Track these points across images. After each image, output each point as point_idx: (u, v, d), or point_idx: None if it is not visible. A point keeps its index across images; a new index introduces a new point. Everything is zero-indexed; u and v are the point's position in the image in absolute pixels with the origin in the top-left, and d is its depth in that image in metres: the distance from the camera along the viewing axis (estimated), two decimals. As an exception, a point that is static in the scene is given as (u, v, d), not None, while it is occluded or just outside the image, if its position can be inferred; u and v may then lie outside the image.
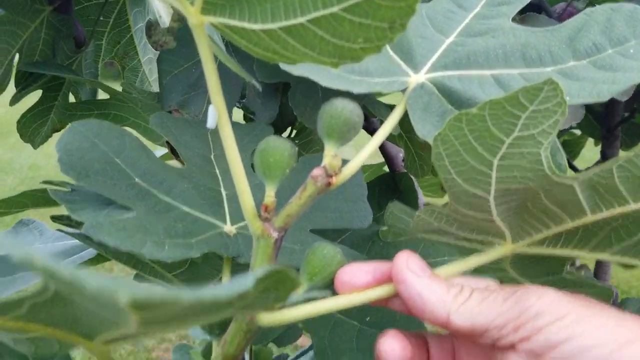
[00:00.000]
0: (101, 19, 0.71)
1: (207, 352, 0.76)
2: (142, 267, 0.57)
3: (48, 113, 0.69)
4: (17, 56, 0.65)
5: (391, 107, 0.76)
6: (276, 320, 0.28)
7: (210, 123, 0.52)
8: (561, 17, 0.74)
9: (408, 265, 0.28)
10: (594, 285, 0.31)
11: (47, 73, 0.65)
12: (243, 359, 0.78)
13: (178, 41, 0.61)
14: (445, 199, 0.30)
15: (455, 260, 0.30)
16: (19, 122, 0.71)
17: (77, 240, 0.78)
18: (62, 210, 0.39)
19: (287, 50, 0.24)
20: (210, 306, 0.16)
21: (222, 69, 0.31)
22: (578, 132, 1.08)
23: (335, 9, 0.21)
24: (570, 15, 0.68)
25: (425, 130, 0.30)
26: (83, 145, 0.37)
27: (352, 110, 0.29)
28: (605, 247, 0.28)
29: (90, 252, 0.73)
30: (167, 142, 0.61)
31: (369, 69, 0.34)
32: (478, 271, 0.31)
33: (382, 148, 0.75)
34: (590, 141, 1.07)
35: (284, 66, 0.29)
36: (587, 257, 0.29)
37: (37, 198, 0.62)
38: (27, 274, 0.68)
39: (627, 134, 0.92)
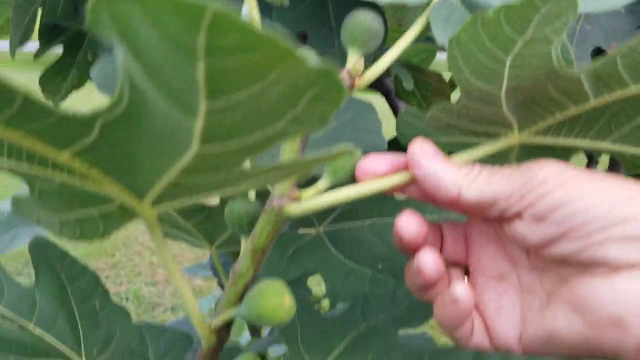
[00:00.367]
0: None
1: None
2: (162, 216, 0.59)
3: (69, 68, 0.71)
4: (39, 12, 0.68)
5: (405, 64, 0.78)
6: (303, 209, 0.30)
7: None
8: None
9: (422, 150, 0.30)
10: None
11: (69, 27, 0.67)
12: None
13: None
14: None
15: (465, 150, 0.32)
16: (41, 78, 0.73)
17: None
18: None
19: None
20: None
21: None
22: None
23: None
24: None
25: (444, 39, 0.32)
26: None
27: (373, 19, 0.31)
28: (605, 135, 0.30)
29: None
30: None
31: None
32: (486, 164, 0.33)
33: (393, 106, 0.77)
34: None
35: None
36: (588, 148, 0.31)
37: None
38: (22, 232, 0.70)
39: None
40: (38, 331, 0.37)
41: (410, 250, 0.31)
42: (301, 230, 0.61)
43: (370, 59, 0.55)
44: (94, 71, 0.40)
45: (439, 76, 0.81)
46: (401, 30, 0.68)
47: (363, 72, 0.31)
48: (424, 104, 0.77)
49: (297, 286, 0.83)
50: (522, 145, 0.33)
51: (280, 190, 0.31)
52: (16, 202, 0.28)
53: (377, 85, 0.77)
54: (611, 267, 0.26)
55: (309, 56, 0.15)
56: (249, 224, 0.33)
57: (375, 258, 0.55)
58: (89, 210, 0.27)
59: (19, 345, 0.34)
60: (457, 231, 0.33)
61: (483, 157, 0.32)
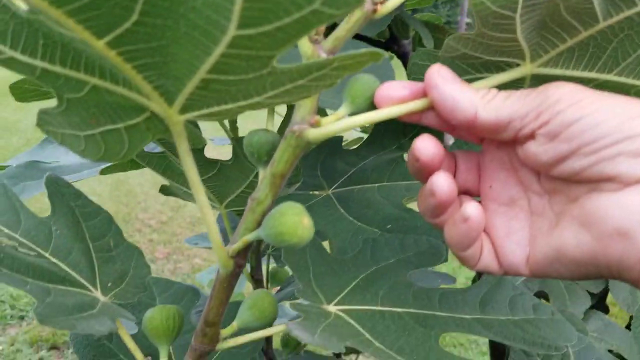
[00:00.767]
0: None
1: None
2: (171, 173, 0.59)
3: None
4: None
5: (426, 24, 0.78)
6: (323, 133, 0.31)
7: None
8: None
9: (440, 73, 0.31)
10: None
11: None
12: (261, 280, 0.81)
13: None
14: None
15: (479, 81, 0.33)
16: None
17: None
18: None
19: None
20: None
21: None
22: None
23: None
24: None
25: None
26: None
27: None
28: (612, 67, 0.31)
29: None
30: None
31: None
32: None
33: (404, 61, 0.76)
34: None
35: None
36: (595, 80, 0.32)
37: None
38: (31, 185, 0.71)
39: None
40: (54, 260, 0.38)
41: (424, 173, 0.32)
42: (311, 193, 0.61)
43: None
44: None
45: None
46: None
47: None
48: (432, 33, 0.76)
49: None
50: (534, 76, 0.34)
51: (300, 115, 0.31)
52: (42, 115, 0.28)
53: (395, 47, 0.77)
54: (620, 182, 0.27)
55: None
56: (268, 152, 0.34)
57: (384, 219, 0.56)
58: (115, 124, 0.28)
59: (36, 270, 0.34)
60: (470, 160, 0.34)
61: (496, 87, 0.33)
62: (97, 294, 0.38)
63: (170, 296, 0.62)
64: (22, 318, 2.30)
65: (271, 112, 0.40)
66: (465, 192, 0.35)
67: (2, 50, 0.23)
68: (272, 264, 0.88)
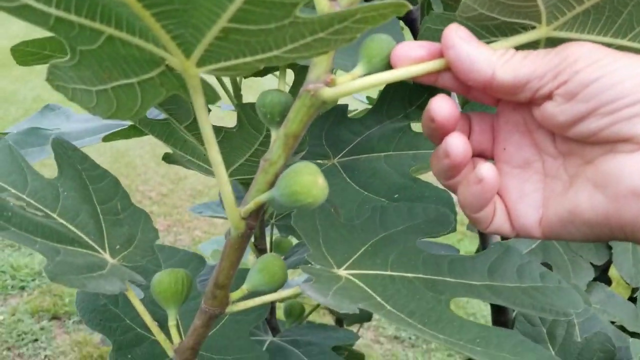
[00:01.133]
0: None
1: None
2: (175, 141, 0.59)
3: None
4: None
5: None
6: (339, 93, 0.30)
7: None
8: None
9: (457, 33, 0.30)
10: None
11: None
12: (264, 249, 0.81)
13: None
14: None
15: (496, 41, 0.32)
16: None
17: (103, 121, 0.79)
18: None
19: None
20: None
21: None
22: None
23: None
24: None
25: None
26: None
27: None
28: (627, 32, 0.31)
29: (121, 124, 0.74)
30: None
31: None
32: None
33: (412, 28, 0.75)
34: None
35: None
36: (609, 45, 0.32)
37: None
38: (32, 152, 0.70)
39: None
40: (62, 221, 0.37)
41: (439, 134, 0.32)
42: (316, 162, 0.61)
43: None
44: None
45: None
46: None
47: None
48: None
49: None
50: (548, 39, 0.33)
51: (315, 74, 0.30)
52: (52, 69, 0.28)
53: (403, 15, 0.75)
54: (637, 143, 0.27)
55: None
56: (281, 113, 0.33)
57: (391, 188, 0.56)
58: (129, 79, 0.27)
59: (45, 230, 0.34)
60: (484, 122, 0.34)
61: (513, 47, 0.32)
62: (106, 256, 0.38)
63: (175, 263, 0.62)
64: (22, 288, 2.31)
65: (283, 73, 0.39)
66: (479, 155, 0.34)
67: (15, -4, 0.22)
68: (276, 234, 0.88)
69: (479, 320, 2.19)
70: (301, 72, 0.59)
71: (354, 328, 1.06)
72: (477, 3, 0.32)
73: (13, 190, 0.37)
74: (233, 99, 0.63)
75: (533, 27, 0.33)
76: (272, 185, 0.32)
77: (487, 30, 0.35)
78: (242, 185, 0.68)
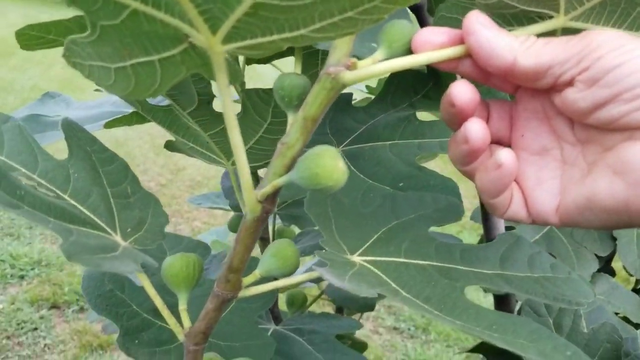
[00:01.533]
0: None
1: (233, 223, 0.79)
2: (177, 128, 0.58)
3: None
4: None
5: None
6: (360, 76, 0.30)
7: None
8: None
9: (478, 20, 0.30)
10: None
11: None
12: (267, 238, 0.80)
13: None
14: None
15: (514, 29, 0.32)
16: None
17: (104, 109, 0.79)
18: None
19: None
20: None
21: None
22: None
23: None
24: None
25: None
26: None
27: None
28: None
29: (123, 111, 0.73)
30: None
31: None
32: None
33: (424, 23, 0.74)
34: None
35: None
36: None
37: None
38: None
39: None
40: (73, 202, 0.37)
41: (458, 119, 0.31)
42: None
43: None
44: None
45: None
46: None
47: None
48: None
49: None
50: (565, 29, 0.33)
51: (336, 57, 0.30)
52: (70, 45, 0.27)
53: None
54: None
55: None
56: (299, 96, 0.33)
57: (396, 177, 0.55)
58: (149, 56, 0.27)
59: (57, 210, 0.34)
60: (503, 109, 0.34)
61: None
62: (117, 238, 0.38)
63: (180, 251, 0.61)
64: (22, 277, 2.31)
65: (299, 57, 0.38)
66: (496, 142, 0.34)
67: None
68: (279, 223, 0.88)
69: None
70: (307, 60, 0.58)
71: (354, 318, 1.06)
72: (498, -11, 0.32)
73: (24, 170, 0.36)
74: (237, 86, 0.62)
75: (550, 17, 0.33)
76: (289, 169, 0.32)
77: (504, 19, 0.35)
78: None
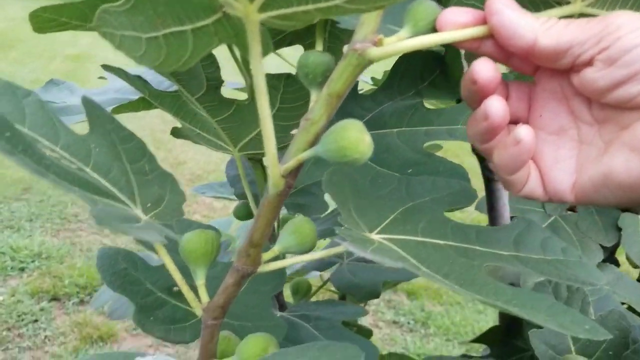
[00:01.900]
0: None
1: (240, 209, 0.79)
2: (185, 114, 0.58)
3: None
4: None
5: None
6: (386, 53, 0.30)
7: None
8: None
9: (501, 0, 0.31)
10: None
11: None
12: (273, 229, 0.81)
13: None
14: None
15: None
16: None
17: (109, 96, 0.79)
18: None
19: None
20: None
21: None
22: None
23: None
24: None
25: None
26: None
27: None
28: None
29: (129, 97, 0.74)
30: None
31: None
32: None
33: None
34: None
35: None
36: None
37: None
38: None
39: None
40: (95, 175, 0.37)
41: (479, 96, 0.32)
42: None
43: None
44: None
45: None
46: None
47: None
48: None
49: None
50: (581, 14, 0.34)
51: (363, 34, 0.30)
52: (103, 15, 0.27)
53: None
54: None
55: None
56: (323, 73, 0.33)
57: (404, 163, 0.56)
58: (182, 26, 0.27)
59: (81, 181, 0.34)
60: (522, 89, 0.35)
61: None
62: (139, 212, 0.38)
63: (190, 234, 0.62)
64: (22, 270, 2.31)
65: (320, 36, 0.39)
66: (514, 122, 0.35)
67: None
68: (283, 212, 0.88)
69: (478, 307, 2.22)
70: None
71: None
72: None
73: (46, 143, 0.37)
74: (244, 71, 0.61)
75: (567, 3, 0.34)
76: (312, 144, 0.32)
77: (521, 4, 0.36)
78: (250, 161, 0.68)
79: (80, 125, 0.50)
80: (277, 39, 0.61)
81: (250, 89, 0.51)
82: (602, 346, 0.51)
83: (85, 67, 4.95)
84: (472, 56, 0.66)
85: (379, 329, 2.06)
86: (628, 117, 0.30)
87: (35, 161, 0.31)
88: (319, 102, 0.32)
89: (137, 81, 0.53)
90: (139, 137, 0.45)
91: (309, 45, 0.58)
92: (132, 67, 0.60)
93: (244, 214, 0.80)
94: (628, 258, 0.74)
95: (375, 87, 1.04)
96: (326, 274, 1.10)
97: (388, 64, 0.56)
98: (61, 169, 0.33)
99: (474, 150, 0.65)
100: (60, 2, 0.45)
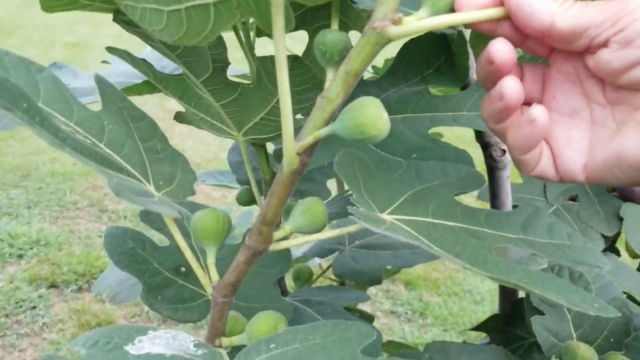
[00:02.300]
0: None
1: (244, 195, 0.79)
2: (189, 98, 0.58)
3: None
4: None
5: None
6: (405, 31, 0.30)
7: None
8: None
9: None
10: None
11: None
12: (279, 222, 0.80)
13: None
14: None
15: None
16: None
17: (112, 79, 0.79)
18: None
19: None
20: None
21: None
22: None
23: None
24: None
25: None
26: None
27: None
28: None
29: (133, 81, 0.73)
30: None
31: None
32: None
33: None
34: None
35: None
36: None
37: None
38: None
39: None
40: (109, 151, 0.38)
41: (495, 76, 0.32)
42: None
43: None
44: None
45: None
46: None
47: None
48: None
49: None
50: None
51: (382, 12, 0.31)
52: (126, -14, 0.27)
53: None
54: None
55: None
56: (340, 52, 0.33)
57: (408, 148, 0.56)
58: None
59: (97, 155, 0.34)
60: (536, 71, 0.35)
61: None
62: (151, 188, 0.38)
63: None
64: (20, 257, 2.30)
65: (336, 15, 0.39)
66: (528, 104, 0.35)
67: None
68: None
69: (475, 297, 2.23)
70: (315, 35, 0.59)
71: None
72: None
73: (61, 118, 0.37)
74: (248, 54, 0.61)
75: None
76: (327, 123, 0.33)
77: None
78: (253, 146, 0.68)
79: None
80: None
81: (257, 71, 0.50)
82: (604, 333, 0.52)
83: (84, 55, 4.92)
84: (478, 43, 0.66)
85: (376, 318, 2.07)
86: None
87: (52, 133, 0.31)
88: (335, 80, 0.32)
89: (142, 64, 0.53)
90: (150, 117, 0.45)
91: (313, 31, 0.58)
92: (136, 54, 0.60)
93: (246, 199, 0.80)
94: (628, 248, 0.75)
95: (376, 75, 1.04)
96: (325, 264, 1.10)
97: (386, 53, 0.56)
98: (77, 142, 0.33)
99: (478, 139, 0.66)
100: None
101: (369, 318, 0.80)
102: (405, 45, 0.58)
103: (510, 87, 0.32)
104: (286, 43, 0.29)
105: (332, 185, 0.97)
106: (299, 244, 0.38)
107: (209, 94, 0.54)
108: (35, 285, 2.14)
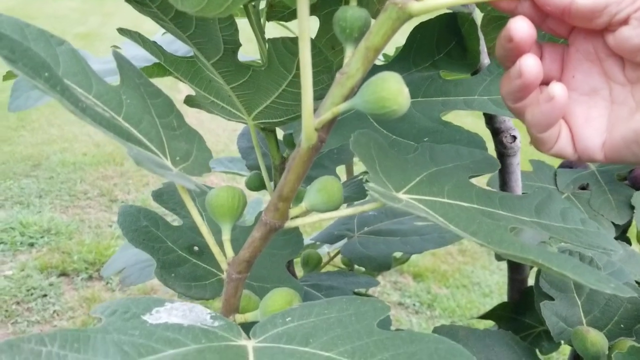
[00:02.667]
0: None
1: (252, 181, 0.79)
2: (199, 81, 0.58)
3: None
4: None
5: None
6: (426, 7, 0.30)
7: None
8: None
9: None
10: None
11: None
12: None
13: None
14: None
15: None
16: None
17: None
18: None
19: None
20: None
21: None
22: None
23: None
24: None
25: None
26: None
27: None
28: None
29: (143, 64, 0.73)
30: None
31: None
32: None
33: None
34: None
35: None
36: None
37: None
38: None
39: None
40: (127, 125, 0.38)
41: (514, 54, 0.32)
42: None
43: None
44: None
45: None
46: None
47: None
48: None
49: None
50: None
51: (403, -13, 0.30)
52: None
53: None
54: None
55: None
56: (360, 28, 0.33)
57: (420, 132, 0.56)
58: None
59: (115, 127, 0.34)
60: (555, 51, 0.35)
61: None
62: (168, 163, 0.38)
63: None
64: (31, 245, 2.32)
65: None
66: (546, 83, 0.35)
67: None
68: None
69: (483, 290, 2.23)
70: (326, 21, 0.58)
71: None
72: None
73: (80, 90, 0.37)
74: (259, 36, 0.60)
75: None
76: (346, 98, 0.33)
77: None
78: (263, 131, 0.68)
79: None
80: (292, 9, 0.61)
81: (268, 53, 0.50)
82: (614, 319, 0.52)
83: (94, 45, 4.93)
84: (489, 29, 0.66)
85: (383, 310, 2.07)
86: None
87: (72, 102, 0.31)
88: (355, 56, 0.32)
89: (153, 46, 0.53)
90: (166, 94, 0.45)
91: (324, 17, 0.58)
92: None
93: (255, 184, 0.80)
94: (638, 237, 0.74)
95: (386, 63, 1.04)
96: (333, 253, 1.10)
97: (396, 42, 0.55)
98: (97, 113, 0.33)
99: (488, 125, 0.66)
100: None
101: (378, 304, 0.80)
102: (415, 29, 0.58)
103: (529, 64, 0.32)
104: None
105: (341, 172, 0.97)
106: (314, 221, 0.38)
107: (219, 77, 0.54)
108: (46, 274, 2.16)
